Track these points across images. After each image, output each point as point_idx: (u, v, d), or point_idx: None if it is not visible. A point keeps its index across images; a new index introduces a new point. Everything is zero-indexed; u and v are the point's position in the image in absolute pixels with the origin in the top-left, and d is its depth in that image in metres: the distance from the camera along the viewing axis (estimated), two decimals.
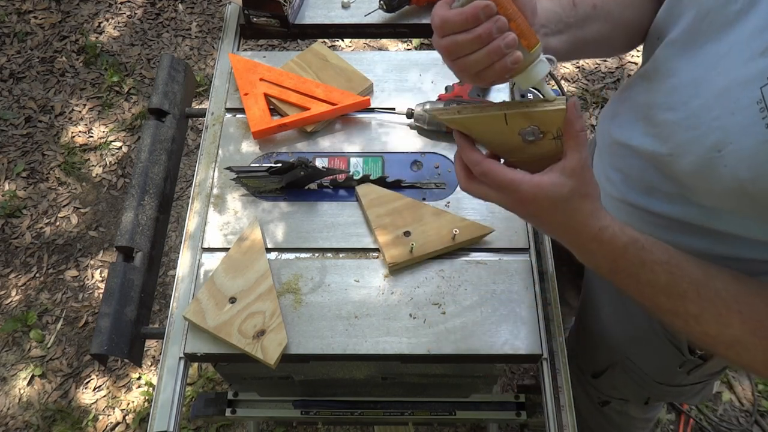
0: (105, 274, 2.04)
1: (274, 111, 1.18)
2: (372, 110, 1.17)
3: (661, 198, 0.77)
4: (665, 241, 0.80)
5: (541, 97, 0.64)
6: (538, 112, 0.62)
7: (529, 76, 0.62)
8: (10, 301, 2.00)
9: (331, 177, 1.10)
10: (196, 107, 1.27)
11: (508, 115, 0.63)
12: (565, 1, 0.74)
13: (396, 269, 1.00)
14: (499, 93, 1.20)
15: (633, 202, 0.83)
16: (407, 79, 1.23)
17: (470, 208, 1.06)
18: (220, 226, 1.06)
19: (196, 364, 1.84)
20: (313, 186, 1.10)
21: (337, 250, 1.04)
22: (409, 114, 1.14)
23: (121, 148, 2.31)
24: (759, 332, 0.61)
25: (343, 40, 2.55)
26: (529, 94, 1.14)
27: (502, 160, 0.69)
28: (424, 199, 1.08)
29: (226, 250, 1.03)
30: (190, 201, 1.09)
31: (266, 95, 1.17)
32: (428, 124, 1.14)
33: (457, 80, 1.19)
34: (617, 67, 2.41)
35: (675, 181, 0.72)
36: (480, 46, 0.58)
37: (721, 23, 0.63)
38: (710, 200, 0.68)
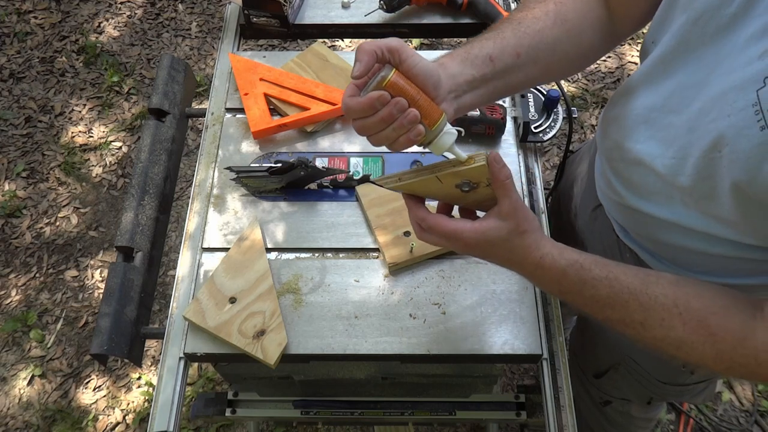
0: (105, 274, 2.04)
1: (274, 111, 1.18)
2: None
3: (661, 202, 0.77)
4: (663, 243, 0.81)
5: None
6: (464, 171, 0.70)
7: (437, 145, 0.70)
8: (10, 301, 2.00)
9: (331, 177, 1.10)
10: (196, 107, 1.27)
11: (440, 176, 0.72)
12: (479, 61, 0.75)
13: (396, 269, 1.00)
14: None
15: (632, 206, 0.83)
16: None
17: None
18: (220, 226, 1.06)
19: (196, 364, 1.84)
20: (313, 186, 1.10)
21: (337, 250, 1.04)
22: None
23: (121, 148, 2.31)
24: (699, 331, 0.66)
25: (343, 40, 2.55)
26: (529, 94, 1.14)
27: (456, 207, 0.78)
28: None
29: (226, 250, 1.03)
30: (190, 201, 1.09)
31: (266, 95, 1.17)
32: None
33: None
34: (617, 67, 2.41)
35: (676, 185, 0.72)
36: (385, 125, 0.66)
37: (716, 26, 0.64)
38: (710, 205, 0.69)
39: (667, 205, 0.76)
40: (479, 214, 0.76)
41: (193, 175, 1.12)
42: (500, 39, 0.76)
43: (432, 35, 1.41)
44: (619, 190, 0.85)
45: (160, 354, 0.96)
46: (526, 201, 1.08)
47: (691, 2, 0.66)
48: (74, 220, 2.16)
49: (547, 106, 1.13)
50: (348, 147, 1.15)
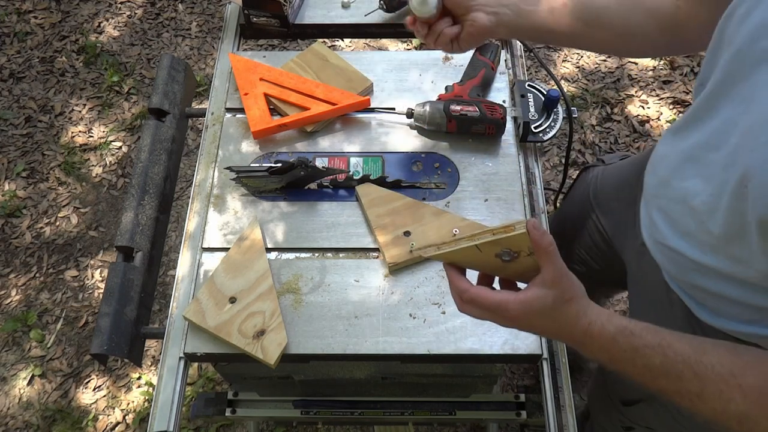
0: (105, 274, 2.04)
1: (274, 111, 1.18)
2: (372, 110, 1.17)
3: (695, 245, 0.76)
4: (702, 289, 0.78)
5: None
6: (504, 239, 0.68)
7: None
8: (10, 301, 2.00)
9: (331, 177, 1.10)
10: (196, 107, 1.27)
11: (480, 245, 0.70)
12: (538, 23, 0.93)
13: (396, 269, 1.00)
14: (499, 93, 1.20)
15: (672, 246, 0.81)
16: (407, 79, 1.23)
17: (470, 208, 1.06)
18: (220, 226, 1.06)
19: (196, 364, 1.84)
20: (313, 186, 1.10)
21: (337, 250, 1.04)
22: (409, 114, 1.14)
23: (121, 148, 2.31)
24: (762, 403, 0.61)
25: (343, 40, 2.55)
26: (529, 94, 1.14)
27: (497, 278, 0.76)
28: (424, 199, 1.08)
29: (226, 250, 1.03)
30: (190, 201, 1.09)
31: (266, 95, 1.17)
32: (428, 124, 1.14)
33: (457, 80, 1.19)
34: (617, 67, 2.41)
35: (707, 228, 0.72)
36: None
37: (753, 61, 0.63)
38: (739, 248, 0.67)
39: (700, 249, 0.75)
40: (520, 286, 0.74)
41: (193, 175, 1.12)
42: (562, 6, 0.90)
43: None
44: (661, 228, 0.83)
45: (160, 354, 0.96)
46: (526, 201, 1.08)
47: (733, 37, 0.66)
48: (74, 220, 2.16)
49: (547, 106, 1.13)
50: (348, 147, 1.15)
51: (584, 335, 0.68)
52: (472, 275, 0.74)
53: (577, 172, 1.25)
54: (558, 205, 1.33)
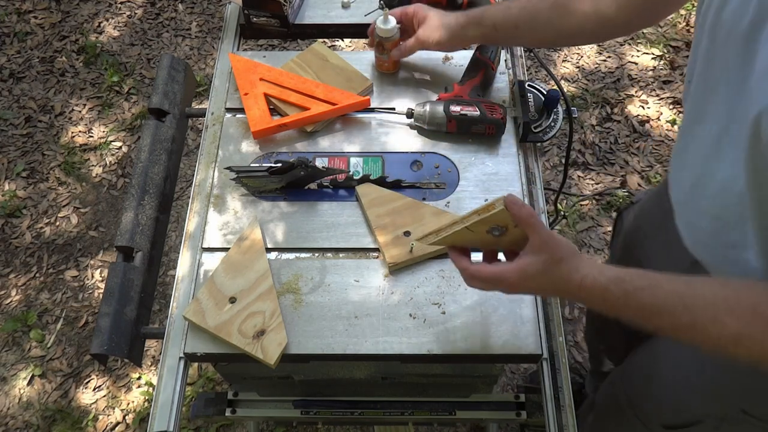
0: (105, 274, 2.04)
1: (274, 111, 1.18)
2: (372, 110, 1.17)
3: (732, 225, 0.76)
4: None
5: None
6: (488, 217, 0.77)
7: None
8: (10, 301, 2.00)
9: (331, 177, 1.10)
10: (196, 107, 1.27)
11: (470, 226, 0.79)
12: (485, 25, 1.06)
13: (396, 269, 1.00)
14: (500, 93, 1.20)
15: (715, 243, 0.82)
16: (407, 79, 1.23)
17: (470, 208, 1.06)
18: (220, 226, 1.06)
19: (196, 364, 1.84)
20: (313, 186, 1.10)
21: (337, 250, 1.04)
22: (409, 114, 1.14)
23: (121, 148, 2.31)
24: (756, 321, 0.63)
25: (343, 40, 2.55)
26: (529, 94, 1.14)
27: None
28: (424, 199, 1.08)
29: (226, 250, 1.03)
30: (190, 201, 1.09)
31: (266, 95, 1.17)
32: (428, 124, 1.14)
33: (457, 80, 1.19)
34: (617, 67, 2.41)
35: (739, 203, 0.72)
36: None
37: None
38: None
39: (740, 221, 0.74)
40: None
41: (193, 175, 1.12)
42: (507, 11, 1.02)
43: None
44: (703, 226, 0.83)
45: (160, 354, 0.96)
46: (526, 201, 1.08)
47: (715, 25, 0.69)
48: (74, 220, 2.16)
49: (547, 106, 1.13)
50: (348, 147, 1.15)
51: (579, 289, 0.73)
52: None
53: (615, 214, 1.27)
54: (558, 205, 1.34)
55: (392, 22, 1.14)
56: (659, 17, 0.96)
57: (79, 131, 2.36)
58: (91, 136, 2.34)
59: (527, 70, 1.27)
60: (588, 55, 2.46)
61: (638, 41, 2.48)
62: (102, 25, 2.65)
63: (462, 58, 1.24)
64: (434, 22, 1.10)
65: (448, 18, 1.09)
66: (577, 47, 2.48)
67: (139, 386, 1.85)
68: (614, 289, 0.71)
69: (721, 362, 0.87)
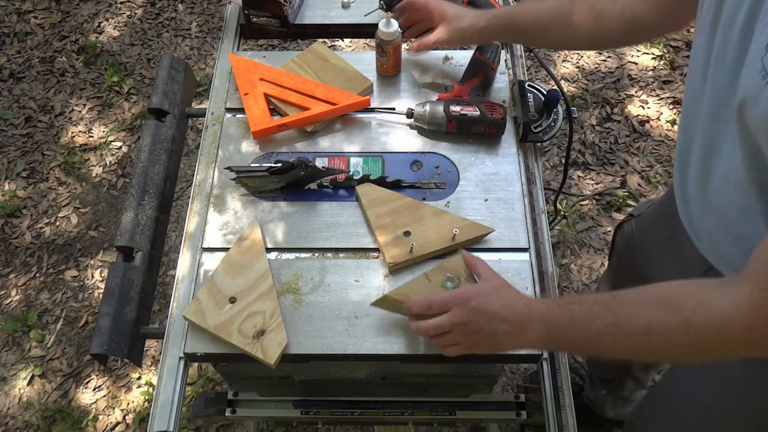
0: (105, 274, 2.04)
1: (274, 111, 1.18)
2: (372, 110, 1.17)
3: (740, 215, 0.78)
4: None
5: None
6: (444, 263, 0.94)
7: None
8: (10, 301, 2.00)
9: (331, 177, 1.09)
10: (196, 107, 1.27)
11: (428, 273, 0.94)
12: (509, 26, 1.08)
13: (396, 269, 1.00)
14: (500, 93, 1.20)
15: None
16: (407, 79, 1.23)
17: (470, 208, 1.06)
18: (220, 226, 1.06)
19: (196, 364, 1.84)
20: (313, 186, 1.10)
21: (337, 250, 1.04)
22: (409, 114, 1.14)
23: (121, 148, 2.31)
24: (660, 305, 0.68)
25: (343, 40, 2.55)
26: (529, 94, 1.14)
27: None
28: (424, 199, 1.08)
29: (226, 250, 1.03)
30: (190, 201, 1.09)
31: (266, 95, 1.17)
32: (428, 124, 1.14)
33: (457, 80, 1.19)
34: (617, 67, 2.41)
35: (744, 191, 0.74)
36: None
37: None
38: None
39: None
40: None
41: (193, 175, 1.12)
42: (535, 12, 1.03)
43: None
44: (712, 230, 0.84)
45: (160, 354, 0.96)
46: (526, 201, 1.08)
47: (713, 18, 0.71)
48: (74, 220, 2.16)
49: (547, 106, 1.13)
50: (348, 147, 1.15)
51: (526, 306, 0.78)
52: None
53: (612, 229, 1.27)
54: (558, 205, 1.34)
55: (394, 25, 1.14)
56: (690, 19, 0.93)
57: (79, 131, 2.35)
58: (91, 136, 2.34)
59: (527, 70, 1.28)
60: (588, 55, 2.46)
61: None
62: (102, 25, 2.65)
63: (462, 58, 1.24)
64: (460, 18, 1.08)
65: (474, 16, 1.08)
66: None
67: (139, 386, 1.85)
68: (554, 306, 0.76)
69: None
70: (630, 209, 1.44)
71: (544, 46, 1.26)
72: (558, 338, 0.76)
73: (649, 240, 1.13)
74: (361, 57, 1.26)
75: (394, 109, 1.16)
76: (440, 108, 1.11)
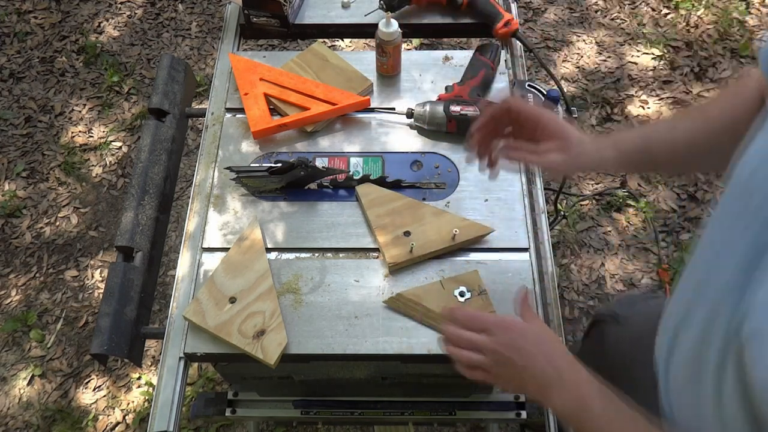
0: (105, 274, 2.04)
1: (274, 111, 1.18)
2: (372, 110, 1.17)
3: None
4: None
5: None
6: (461, 276, 0.97)
7: None
8: (10, 301, 2.00)
9: (331, 177, 1.09)
10: (196, 107, 1.27)
11: (442, 281, 0.97)
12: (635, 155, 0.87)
13: (396, 269, 1.00)
14: (500, 93, 1.20)
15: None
16: (407, 79, 1.23)
17: (470, 208, 1.06)
18: (220, 226, 1.06)
19: (196, 364, 1.84)
20: (313, 186, 1.10)
21: (337, 250, 1.04)
22: (409, 114, 1.14)
23: (121, 148, 2.31)
24: None
25: (343, 40, 2.55)
26: (529, 94, 1.14)
27: None
28: (424, 199, 1.08)
29: (226, 250, 1.03)
30: (190, 201, 1.09)
31: (266, 95, 1.17)
32: (428, 124, 1.14)
33: (457, 80, 1.19)
34: (617, 67, 2.41)
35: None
36: None
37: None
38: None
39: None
40: None
41: (193, 175, 1.12)
42: (670, 143, 0.84)
43: (432, 35, 1.41)
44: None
45: (160, 354, 0.96)
46: (526, 201, 1.08)
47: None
48: (74, 220, 2.16)
49: (547, 106, 1.13)
50: (348, 147, 1.15)
51: (570, 363, 0.73)
52: None
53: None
54: (558, 205, 1.33)
55: (394, 25, 1.14)
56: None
57: (79, 131, 2.35)
58: (91, 136, 2.34)
59: (527, 70, 1.27)
60: (588, 55, 2.46)
61: (638, 41, 2.48)
62: (102, 25, 2.65)
63: (462, 58, 1.24)
64: (582, 144, 0.85)
65: (596, 145, 0.86)
66: (576, 48, 2.48)
67: (139, 386, 1.85)
68: (588, 390, 0.71)
69: None
70: (612, 296, 1.41)
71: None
72: (582, 421, 0.71)
73: (640, 358, 0.92)
74: (361, 57, 1.26)
75: (394, 109, 1.16)
76: (440, 108, 1.11)
